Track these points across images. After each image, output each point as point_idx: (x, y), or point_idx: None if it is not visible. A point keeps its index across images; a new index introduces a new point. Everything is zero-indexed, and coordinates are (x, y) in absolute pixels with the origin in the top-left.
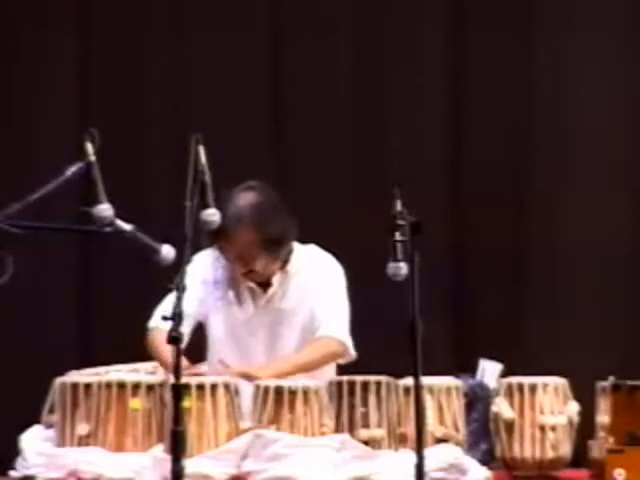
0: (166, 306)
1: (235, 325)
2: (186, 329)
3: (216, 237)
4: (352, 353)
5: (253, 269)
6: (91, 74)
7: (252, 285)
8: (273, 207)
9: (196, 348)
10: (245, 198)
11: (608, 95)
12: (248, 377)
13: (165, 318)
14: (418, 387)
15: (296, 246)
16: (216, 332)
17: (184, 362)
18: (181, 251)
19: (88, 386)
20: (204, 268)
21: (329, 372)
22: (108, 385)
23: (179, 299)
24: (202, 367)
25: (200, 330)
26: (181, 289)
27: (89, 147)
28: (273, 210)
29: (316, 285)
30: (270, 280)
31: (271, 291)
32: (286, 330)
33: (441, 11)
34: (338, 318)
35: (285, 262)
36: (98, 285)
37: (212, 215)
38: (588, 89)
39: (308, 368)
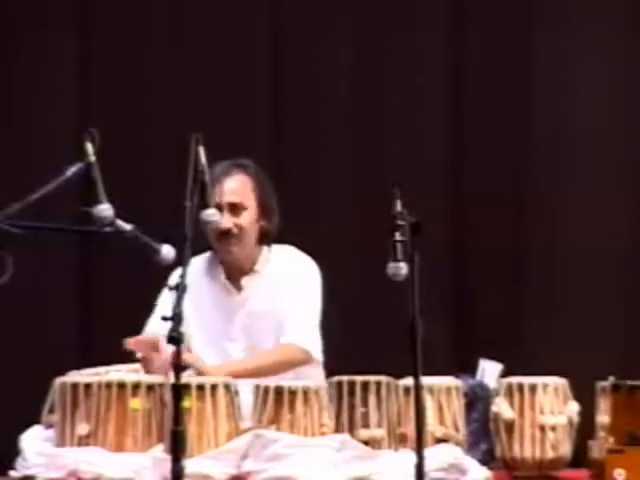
0: (160, 311)
1: (213, 331)
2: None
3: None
4: (317, 359)
5: (240, 224)
6: (91, 74)
7: (229, 286)
8: (266, 180)
9: None
10: (234, 162)
11: (608, 95)
12: (199, 372)
13: (165, 318)
14: (418, 387)
15: (271, 246)
16: (196, 340)
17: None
18: (181, 251)
19: (88, 386)
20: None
21: (316, 374)
22: (108, 385)
23: (179, 299)
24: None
25: None
26: (181, 289)
27: (89, 147)
28: (267, 181)
29: (287, 286)
30: (245, 267)
31: (244, 293)
32: (262, 332)
33: (441, 11)
34: (304, 324)
35: (253, 262)
36: (98, 285)
37: (212, 215)
38: (588, 89)
39: (261, 373)
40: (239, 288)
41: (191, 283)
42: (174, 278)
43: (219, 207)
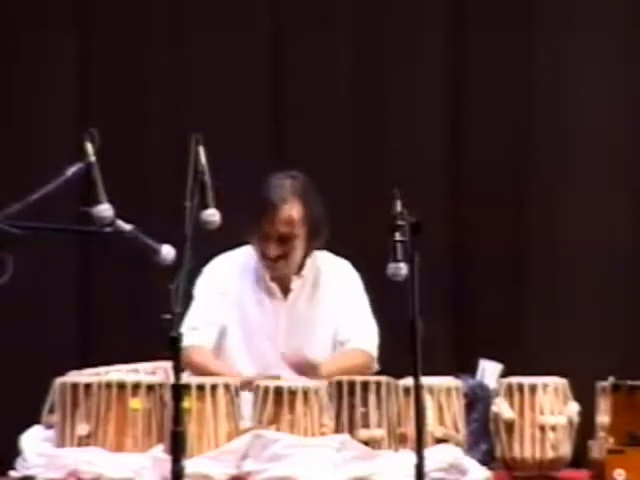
0: (192, 320)
1: (253, 332)
2: (212, 336)
3: (260, 216)
4: (376, 366)
5: (289, 253)
6: (91, 74)
7: (274, 289)
8: (317, 194)
9: None
10: (292, 179)
11: (608, 95)
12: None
13: (165, 319)
14: (418, 387)
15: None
16: (232, 340)
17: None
18: (181, 251)
19: (88, 386)
20: (220, 276)
21: None
22: (108, 385)
23: (179, 299)
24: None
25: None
26: (181, 289)
27: (89, 147)
28: (317, 196)
29: (340, 294)
30: (289, 282)
31: (292, 296)
32: (305, 338)
33: (441, 11)
34: (368, 331)
35: (301, 266)
36: (98, 285)
37: (212, 215)
38: (588, 89)
39: (338, 375)
40: (285, 291)
41: (234, 278)
42: (214, 280)
43: (267, 235)
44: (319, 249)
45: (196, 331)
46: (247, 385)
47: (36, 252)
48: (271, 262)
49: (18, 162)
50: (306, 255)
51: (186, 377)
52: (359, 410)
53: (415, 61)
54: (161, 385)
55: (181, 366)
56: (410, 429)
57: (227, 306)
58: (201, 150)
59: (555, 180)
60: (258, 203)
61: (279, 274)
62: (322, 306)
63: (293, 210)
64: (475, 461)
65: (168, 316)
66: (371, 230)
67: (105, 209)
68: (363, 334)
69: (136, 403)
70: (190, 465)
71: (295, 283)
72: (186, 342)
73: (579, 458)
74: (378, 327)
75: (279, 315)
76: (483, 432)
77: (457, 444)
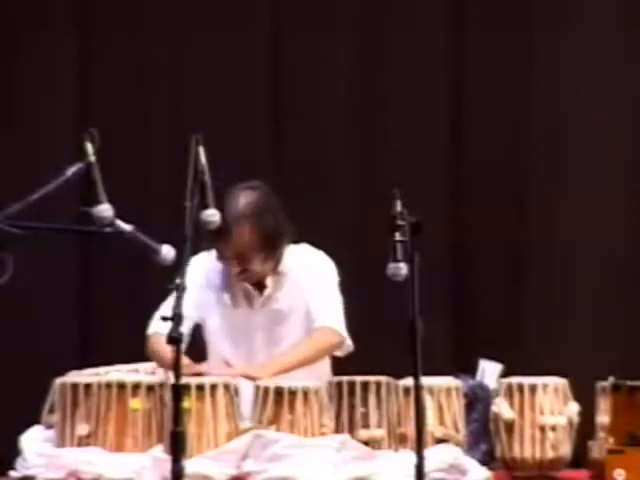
0: (164, 311)
1: (232, 327)
2: (185, 330)
3: (215, 236)
4: (349, 343)
5: (249, 268)
6: (91, 74)
7: (248, 287)
8: (272, 208)
9: (196, 349)
10: (245, 197)
11: (608, 95)
12: (250, 378)
13: (165, 319)
14: (418, 387)
15: (289, 246)
16: (214, 335)
17: (186, 360)
18: (181, 251)
19: (88, 386)
20: (201, 271)
21: (324, 367)
22: (108, 385)
23: (179, 299)
24: (202, 366)
25: (198, 331)
26: (181, 290)
27: (89, 147)
28: (272, 211)
29: (309, 282)
30: (264, 281)
31: (266, 293)
32: (284, 331)
33: (441, 11)
34: (332, 309)
35: (277, 262)
36: (98, 285)
37: (212, 215)
38: (588, 89)
39: (308, 361)
40: (260, 288)
41: (209, 277)
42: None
43: (225, 255)
44: (297, 242)
45: (164, 321)
46: (196, 376)
47: (36, 252)
48: (237, 276)
49: (18, 162)
50: (278, 257)
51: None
52: (359, 410)
53: (415, 61)
54: (161, 385)
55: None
56: (410, 429)
57: (206, 302)
58: (201, 150)
59: (555, 180)
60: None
61: (248, 282)
62: (293, 296)
63: (245, 233)
64: (475, 461)
65: (168, 316)
66: (371, 230)
67: (105, 209)
68: (325, 312)
69: (136, 403)
70: (190, 465)
71: (269, 279)
72: (150, 330)
73: (579, 458)
74: (378, 327)
75: (255, 310)
76: (483, 432)
77: (457, 444)
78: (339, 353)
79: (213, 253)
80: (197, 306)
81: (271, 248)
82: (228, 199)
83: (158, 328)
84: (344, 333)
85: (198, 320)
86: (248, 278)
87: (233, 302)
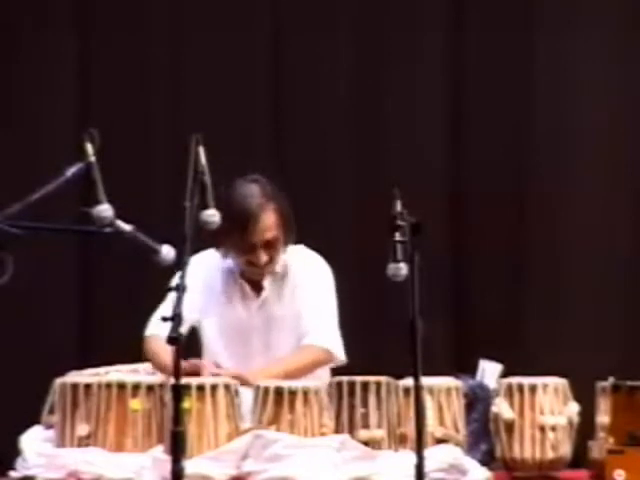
0: (163, 312)
1: (228, 330)
2: (183, 332)
3: (230, 232)
4: (340, 358)
5: (274, 256)
6: (91, 74)
7: (246, 288)
8: (281, 194)
9: (195, 352)
10: (258, 186)
11: (608, 95)
12: (242, 381)
13: (165, 319)
14: (418, 387)
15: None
16: (210, 337)
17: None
18: (181, 251)
19: (88, 386)
20: (197, 272)
21: (323, 374)
22: (108, 385)
23: (179, 299)
24: (200, 361)
25: (194, 333)
26: (181, 290)
27: (89, 147)
28: (283, 196)
29: (304, 291)
30: (261, 282)
31: (264, 295)
32: (280, 334)
33: (441, 11)
34: (324, 324)
35: (279, 255)
36: (98, 285)
37: (212, 215)
38: (588, 89)
39: (295, 375)
40: (257, 289)
41: (206, 278)
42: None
43: (253, 245)
44: (296, 242)
45: (164, 322)
46: (194, 375)
47: (36, 252)
48: (259, 269)
49: (18, 162)
50: (284, 248)
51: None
52: (359, 410)
53: (415, 61)
54: (161, 385)
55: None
56: (410, 429)
57: (202, 304)
58: (201, 150)
59: (555, 180)
60: (227, 216)
61: (262, 278)
62: (289, 302)
63: (272, 215)
64: (475, 461)
65: (168, 316)
66: (371, 230)
67: (105, 209)
68: (318, 328)
69: (136, 403)
70: (190, 465)
71: (267, 280)
72: (148, 332)
73: (579, 458)
74: (378, 327)
75: (251, 313)
76: (483, 432)
77: (457, 444)
78: (331, 365)
79: (203, 256)
80: (194, 308)
81: (289, 232)
82: (238, 193)
83: (156, 330)
84: (334, 349)
85: (194, 322)
86: (263, 271)
87: (230, 304)
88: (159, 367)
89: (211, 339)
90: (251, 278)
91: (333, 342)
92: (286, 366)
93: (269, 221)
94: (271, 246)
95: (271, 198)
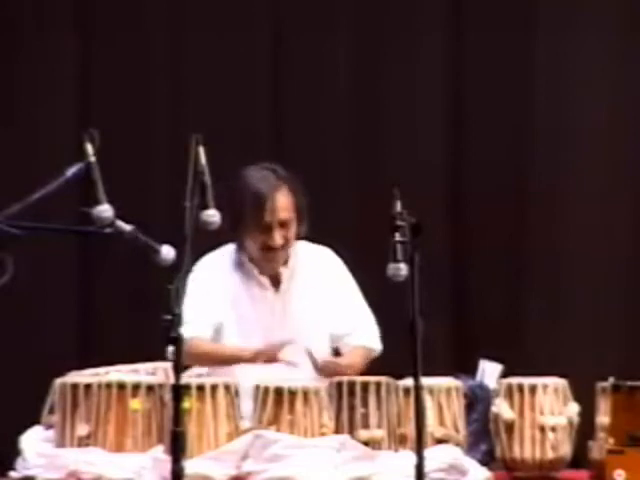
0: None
1: (248, 327)
2: (209, 331)
3: (245, 215)
4: (379, 349)
5: (289, 237)
6: (91, 74)
7: (264, 282)
8: (297, 180)
9: None
10: (269, 168)
11: (608, 95)
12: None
13: (165, 319)
14: (418, 387)
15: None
16: (231, 337)
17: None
18: (181, 251)
19: (88, 387)
20: (210, 274)
21: None
22: (108, 386)
23: (179, 299)
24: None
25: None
26: (181, 290)
27: (89, 147)
28: (299, 182)
29: (328, 283)
30: (279, 276)
31: (283, 288)
32: (299, 327)
33: (441, 11)
34: (365, 322)
35: (286, 258)
36: (98, 285)
37: (212, 215)
38: (588, 89)
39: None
40: (275, 283)
41: (222, 278)
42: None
43: (269, 225)
44: (299, 239)
45: (192, 325)
46: (261, 356)
47: (36, 252)
48: (274, 252)
49: (18, 162)
50: (299, 233)
51: (193, 371)
52: (359, 411)
53: (415, 61)
54: (161, 385)
55: (184, 361)
56: (410, 429)
57: (220, 303)
58: (201, 150)
59: (555, 180)
60: (242, 199)
61: (277, 267)
62: (309, 295)
63: (286, 196)
64: (475, 461)
65: (168, 316)
66: (371, 230)
67: (105, 209)
68: (362, 329)
69: (136, 403)
70: (190, 465)
71: (284, 275)
72: (186, 335)
73: (579, 458)
74: (378, 328)
75: (273, 308)
76: (483, 432)
77: (457, 444)
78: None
79: (216, 255)
80: (215, 311)
81: (302, 214)
82: (253, 176)
83: (191, 333)
84: (377, 345)
85: (217, 325)
86: (282, 256)
87: (249, 302)
88: (215, 363)
89: (232, 339)
90: (267, 271)
91: (376, 339)
92: (352, 361)
93: (284, 200)
94: (286, 226)
95: (286, 181)
